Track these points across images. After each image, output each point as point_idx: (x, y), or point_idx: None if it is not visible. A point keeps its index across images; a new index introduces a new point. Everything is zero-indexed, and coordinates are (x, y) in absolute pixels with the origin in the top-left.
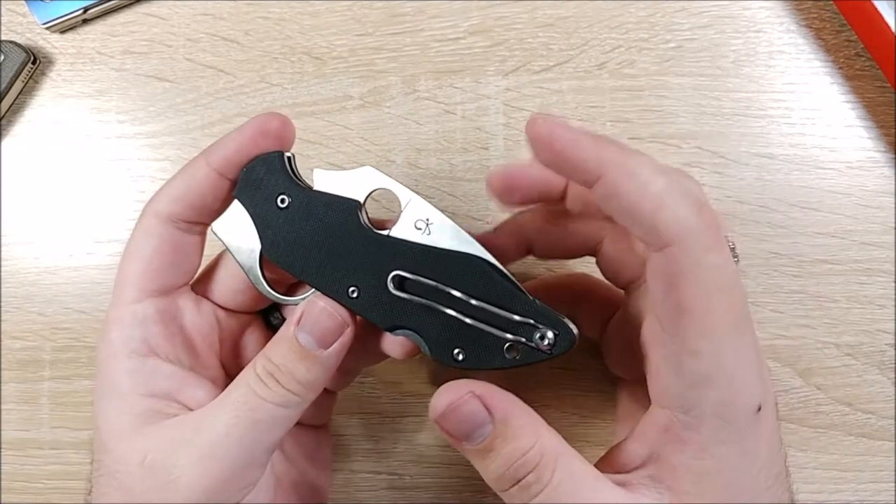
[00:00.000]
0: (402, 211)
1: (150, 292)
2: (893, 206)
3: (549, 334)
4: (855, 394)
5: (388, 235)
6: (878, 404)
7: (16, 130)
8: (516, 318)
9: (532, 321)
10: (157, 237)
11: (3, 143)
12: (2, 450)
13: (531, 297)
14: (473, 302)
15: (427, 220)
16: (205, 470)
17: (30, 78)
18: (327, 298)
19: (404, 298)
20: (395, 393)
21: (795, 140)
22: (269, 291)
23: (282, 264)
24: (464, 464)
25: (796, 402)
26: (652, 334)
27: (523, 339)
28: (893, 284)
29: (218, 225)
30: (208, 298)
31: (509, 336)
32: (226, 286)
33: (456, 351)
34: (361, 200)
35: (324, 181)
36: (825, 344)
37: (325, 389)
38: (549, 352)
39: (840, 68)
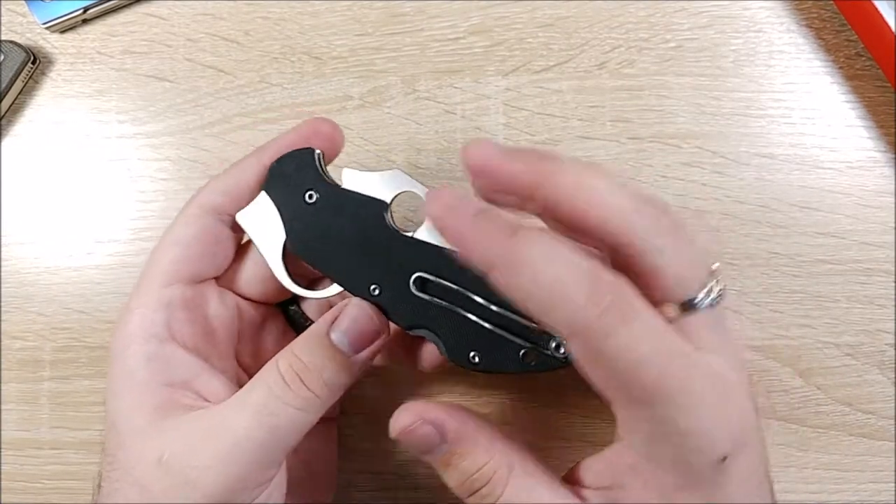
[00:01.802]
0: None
1: (181, 278)
2: (893, 206)
3: (565, 343)
4: (855, 394)
5: (412, 237)
6: (878, 404)
7: (16, 130)
8: (534, 325)
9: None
10: (198, 226)
11: (3, 143)
12: (2, 450)
13: None
14: (493, 308)
15: None
16: (223, 471)
17: (30, 78)
18: (365, 302)
19: (425, 300)
20: (396, 393)
21: (795, 140)
22: (290, 283)
23: (305, 258)
24: None
25: (796, 402)
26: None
27: (540, 347)
28: (893, 284)
29: (243, 215)
30: (231, 289)
31: (526, 343)
32: (251, 274)
33: (472, 354)
34: (388, 201)
35: (352, 180)
36: (825, 344)
37: None
38: (564, 360)
39: (840, 68)
